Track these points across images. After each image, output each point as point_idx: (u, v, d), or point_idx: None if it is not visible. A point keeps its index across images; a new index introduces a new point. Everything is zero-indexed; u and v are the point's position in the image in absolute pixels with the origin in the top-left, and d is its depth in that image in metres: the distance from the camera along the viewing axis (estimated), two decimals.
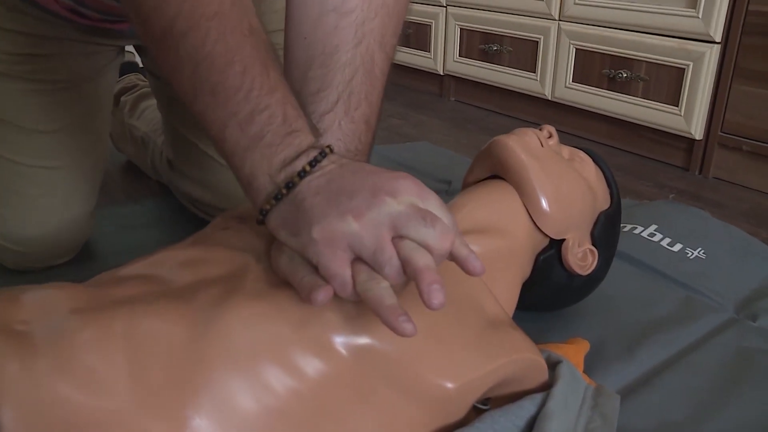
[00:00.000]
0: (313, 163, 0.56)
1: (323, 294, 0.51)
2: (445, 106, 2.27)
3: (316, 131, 0.66)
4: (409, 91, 2.47)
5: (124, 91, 1.53)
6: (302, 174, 0.56)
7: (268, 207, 0.57)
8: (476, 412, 0.63)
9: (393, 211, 0.52)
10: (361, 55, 0.70)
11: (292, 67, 0.72)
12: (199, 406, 0.50)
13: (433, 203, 0.55)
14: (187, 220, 1.21)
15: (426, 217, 0.52)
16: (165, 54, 0.59)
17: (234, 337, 0.52)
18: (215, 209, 1.12)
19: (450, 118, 2.12)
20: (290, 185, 0.55)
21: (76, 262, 1.07)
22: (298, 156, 0.57)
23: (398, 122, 2.05)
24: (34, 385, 0.48)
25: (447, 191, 1.40)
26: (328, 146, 0.58)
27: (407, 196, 0.54)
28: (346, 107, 0.69)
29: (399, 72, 2.53)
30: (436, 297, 0.49)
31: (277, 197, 0.56)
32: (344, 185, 0.54)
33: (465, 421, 0.61)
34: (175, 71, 0.59)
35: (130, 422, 0.48)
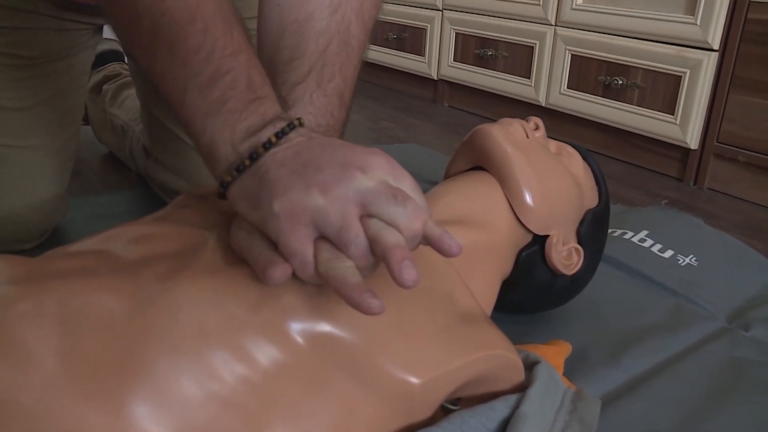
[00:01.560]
0: (279, 135, 0.52)
1: (280, 272, 0.47)
2: (438, 111, 2.23)
3: (283, 103, 0.62)
4: (402, 95, 2.43)
5: (107, 79, 1.49)
6: (267, 145, 0.51)
7: (229, 179, 0.52)
8: (445, 412, 0.58)
9: (362, 187, 0.48)
10: (337, 23, 0.66)
11: (264, 33, 0.68)
12: (135, 390, 0.45)
13: (406, 183, 0.51)
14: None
15: (397, 195, 0.48)
16: (121, 6, 0.55)
17: (179, 315, 0.48)
18: None
19: (442, 122, 2.08)
20: (254, 156, 0.51)
21: (44, 247, 1.02)
22: (264, 126, 0.53)
23: (389, 125, 2.01)
24: None
25: None
26: (298, 119, 0.54)
27: (379, 173, 0.49)
28: (319, 79, 0.65)
29: (392, 76, 2.50)
30: (408, 273, 0.44)
31: (239, 168, 0.52)
32: (312, 158, 0.50)
33: (431, 422, 0.56)
34: (132, 27, 0.55)
35: (57, 403, 0.43)
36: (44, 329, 0.46)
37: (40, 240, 1.03)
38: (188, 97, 0.53)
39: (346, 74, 0.66)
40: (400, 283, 0.44)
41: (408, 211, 0.48)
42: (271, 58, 0.65)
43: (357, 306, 0.44)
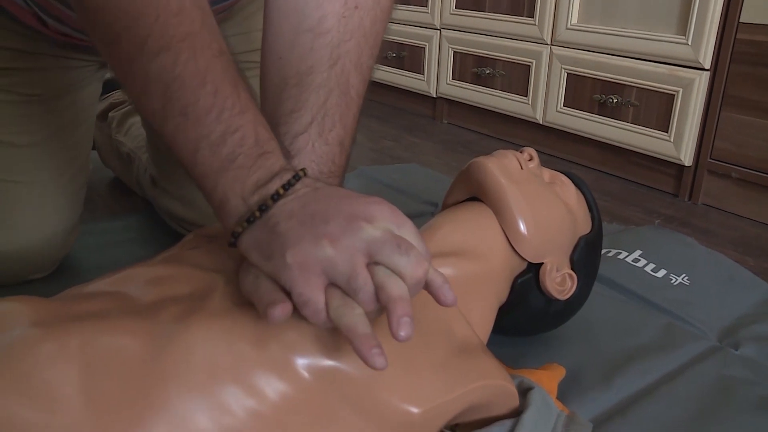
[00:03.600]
0: (286, 186, 0.55)
1: (280, 310, 0.51)
2: (437, 129, 2.27)
3: (287, 153, 0.65)
4: (402, 113, 2.47)
5: (113, 107, 1.53)
6: (275, 197, 0.55)
7: (240, 230, 0.56)
8: None
9: (368, 237, 0.52)
10: (336, 76, 0.70)
11: (267, 86, 0.71)
12: (154, 425, 0.49)
13: (407, 230, 0.54)
14: (169, 237, 1.19)
15: (401, 244, 0.52)
16: (134, 75, 0.59)
17: (193, 354, 0.51)
18: (197, 227, 1.11)
19: (442, 140, 2.12)
20: (263, 208, 0.55)
21: (54, 276, 1.06)
22: (271, 179, 0.56)
23: (390, 144, 2.04)
24: None
25: (433, 213, 1.39)
26: (302, 169, 0.58)
27: (383, 222, 0.53)
28: (320, 129, 0.68)
29: (392, 94, 2.54)
30: (405, 330, 0.48)
31: (250, 220, 0.55)
32: (319, 209, 0.54)
33: None
34: (144, 93, 0.59)
35: None
36: (68, 370, 0.49)
37: (52, 269, 1.06)
38: (200, 155, 0.57)
39: (346, 123, 0.69)
40: (395, 336, 0.48)
41: (411, 259, 0.52)
42: (274, 109, 0.69)
43: (363, 359, 0.48)
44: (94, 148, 1.49)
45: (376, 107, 2.51)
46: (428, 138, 2.14)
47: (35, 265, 1.02)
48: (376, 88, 2.57)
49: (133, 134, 1.41)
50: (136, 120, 1.43)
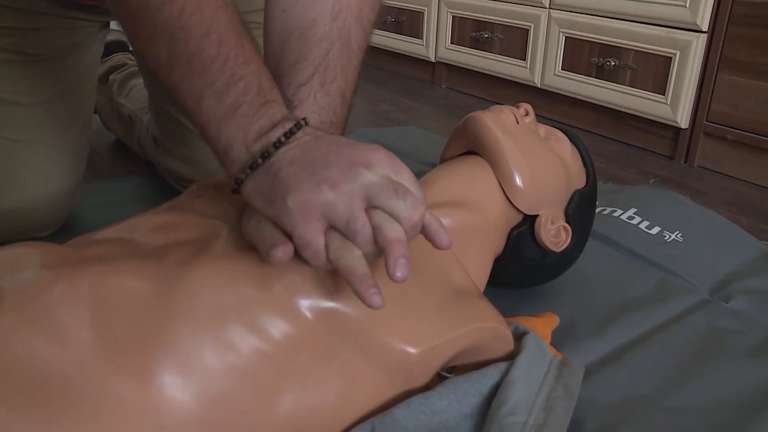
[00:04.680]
0: (288, 135, 0.57)
1: (282, 251, 0.53)
2: (436, 93, 2.27)
3: (289, 103, 0.66)
4: (400, 77, 2.47)
5: (113, 70, 1.54)
6: (277, 145, 0.56)
7: (243, 176, 0.58)
8: (440, 380, 0.64)
9: (367, 182, 0.53)
10: (338, 29, 0.71)
11: (270, 39, 0.72)
12: (162, 361, 0.51)
13: (405, 176, 0.56)
14: (171, 196, 1.19)
15: (398, 189, 0.54)
16: (141, 25, 0.60)
17: (199, 295, 0.53)
18: None
19: (441, 104, 2.13)
20: (265, 155, 0.56)
21: (58, 234, 1.07)
22: (273, 127, 0.58)
23: (389, 108, 2.05)
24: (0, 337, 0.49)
25: None
26: (304, 119, 0.59)
27: (381, 169, 0.55)
28: (322, 80, 0.70)
29: (391, 59, 2.54)
30: (401, 270, 0.50)
31: (252, 167, 0.57)
32: (319, 156, 0.55)
33: (428, 388, 0.62)
34: (150, 43, 0.60)
35: (93, 374, 0.49)
36: (79, 309, 0.51)
37: (56, 227, 1.08)
38: (205, 104, 0.58)
39: (347, 75, 0.71)
40: (391, 276, 0.50)
41: (408, 204, 0.54)
42: (277, 61, 0.70)
43: (361, 298, 0.50)
44: (95, 112, 1.51)
45: (375, 72, 2.51)
46: (427, 102, 2.15)
47: (40, 223, 1.04)
48: (374, 53, 2.57)
49: (134, 96, 1.42)
50: (137, 82, 1.44)
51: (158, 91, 1.18)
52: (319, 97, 0.69)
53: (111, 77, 1.51)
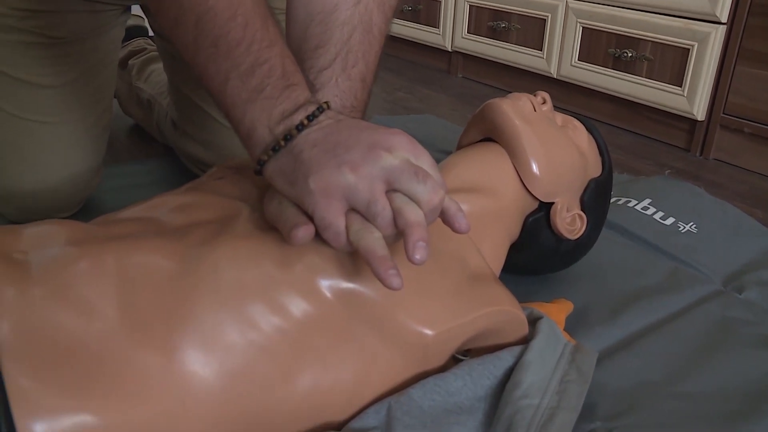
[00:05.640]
0: (311, 117, 0.58)
1: (303, 231, 0.54)
2: (452, 82, 2.28)
3: (312, 87, 0.67)
4: (417, 66, 2.47)
5: (133, 54, 1.55)
6: (300, 127, 0.57)
7: (265, 158, 0.59)
8: (455, 362, 0.65)
9: (387, 165, 0.54)
10: (360, 14, 0.72)
11: (293, 23, 0.73)
12: (185, 337, 0.52)
13: (425, 161, 0.57)
14: (190, 179, 1.22)
15: (419, 173, 0.55)
16: (167, 7, 0.61)
17: (221, 273, 0.54)
18: None
19: (457, 94, 2.13)
20: (288, 137, 0.57)
21: (78, 216, 1.09)
22: (296, 110, 0.59)
23: (404, 96, 2.06)
24: (28, 309, 0.50)
25: None
26: (326, 102, 0.60)
27: (402, 152, 0.56)
28: (344, 64, 0.70)
29: (407, 48, 2.54)
30: (420, 253, 0.52)
31: (275, 149, 0.58)
32: (341, 139, 0.56)
33: (443, 369, 0.63)
34: (177, 25, 0.61)
35: (118, 347, 0.50)
36: (104, 284, 0.53)
37: (77, 208, 1.09)
38: (230, 85, 0.59)
39: (369, 60, 0.72)
40: (410, 259, 0.52)
41: (428, 187, 0.54)
42: (300, 45, 0.71)
43: (380, 279, 0.52)
44: (114, 97, 1.52)
45: (391, 61, 2.51)
46: (443, 91, 2.15)
47: (61, 204, 1.05)
48: (391, 41, 2.56)
49: (154, 81, 1.43)
50: (157, 67, 1.45)
51: (178, 76, 1.19)
52: (341, 81, 0.70)
53: (130, 62, 1.52)
